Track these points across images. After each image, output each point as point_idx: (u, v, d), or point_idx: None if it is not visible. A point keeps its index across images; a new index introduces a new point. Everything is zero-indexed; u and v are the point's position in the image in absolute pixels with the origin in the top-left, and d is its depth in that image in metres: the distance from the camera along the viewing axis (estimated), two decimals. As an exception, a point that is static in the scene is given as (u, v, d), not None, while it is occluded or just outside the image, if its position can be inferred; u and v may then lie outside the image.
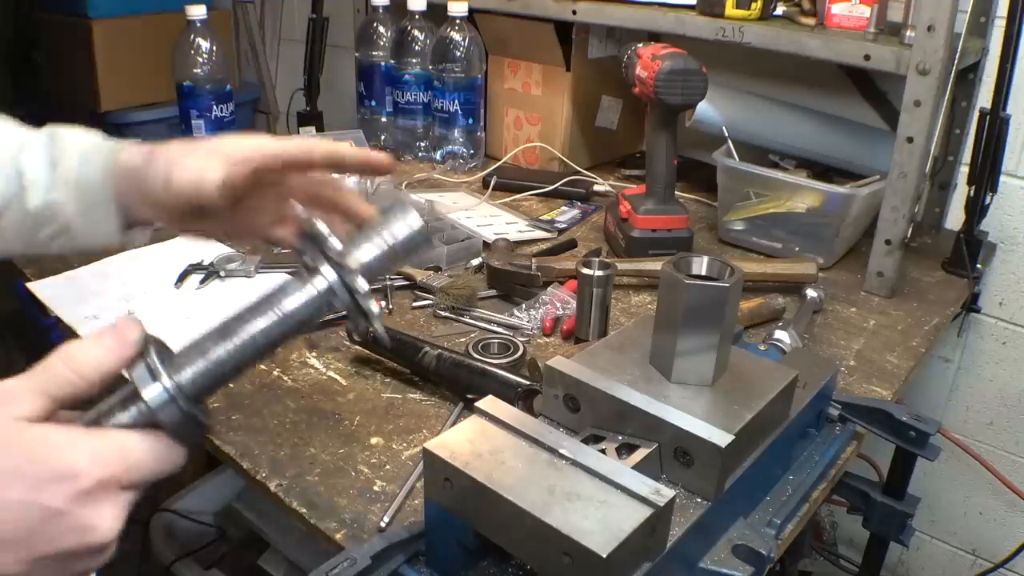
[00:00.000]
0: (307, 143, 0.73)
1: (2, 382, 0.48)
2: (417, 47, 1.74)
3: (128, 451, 0.47)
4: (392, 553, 0.65)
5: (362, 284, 0.51)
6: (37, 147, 0.77)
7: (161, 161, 0.72)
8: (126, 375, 0.49)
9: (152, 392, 0.47)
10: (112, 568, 0.79)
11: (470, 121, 1.72)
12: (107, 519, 0.46)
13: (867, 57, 1.19)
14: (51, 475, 0.45)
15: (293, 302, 0.51)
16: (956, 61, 1.16)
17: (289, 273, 0.52)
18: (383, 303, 1.15)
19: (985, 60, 1.39)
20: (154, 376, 0.47)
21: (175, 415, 0.48)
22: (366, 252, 0.53)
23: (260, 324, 0.50)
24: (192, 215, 0.72)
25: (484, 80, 1.74)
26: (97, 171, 0.75)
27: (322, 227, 0.52)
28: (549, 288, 1.17)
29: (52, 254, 0.81)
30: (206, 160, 0.69)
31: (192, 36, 1.58)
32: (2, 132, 0.80)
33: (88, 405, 0.50)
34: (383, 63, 1.82)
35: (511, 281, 1.19)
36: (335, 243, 0.51)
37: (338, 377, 1.00)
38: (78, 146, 0.77)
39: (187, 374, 0.49)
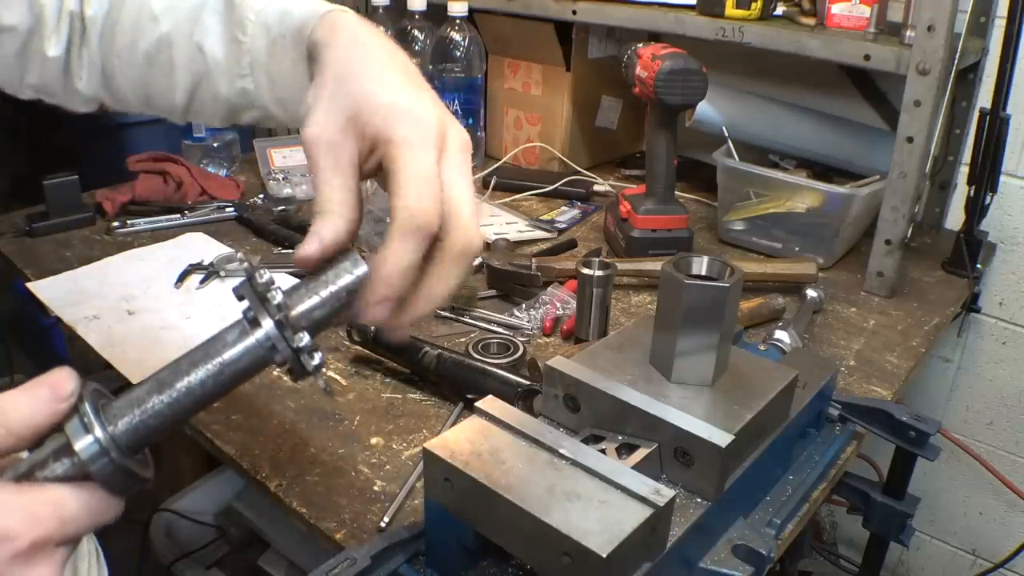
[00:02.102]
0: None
1: None
2: (417, 47, 1.74)
3: (62, 508, 0.46)
4: (392, 553, 0.65)
5: (302, 338, 0.49)
6: (213, 20, 0.69)
7: (311, 96, 0.56)
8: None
9: (84, 444, 0.46)
10: (112, 568, 0.79)
11: (470, 121, 1.72)
12: None
13: (867, 57, 1.19)
14: None
15: (232, 354, 0.50)
16: (956, 61, 1.16)
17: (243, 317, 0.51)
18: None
19: (985, 60, 1.39)
20: (87, 428, 0.46)
21: (107, 469, 0.47)
22: (309, 303, 0.51)
23: (198, 375, 0.50)
24: None
25: (484, 80, 1.74)
26: (290, 62, 0.65)
27: (265, 275, 0.50)
28: (549, 288, 1.17)
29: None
30: (332, 120, 0.54)
31: (192, 36, 1.58)
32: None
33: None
34: (383, 63, 1.81)
35: (511, 281, 1.19)
36: (277, 294, 0.50)
37: (338, 377, 1.00)
38: (262, 22, 0.66)
39: (122, 426, 0.48)
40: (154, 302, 1.16)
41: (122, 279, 1.22)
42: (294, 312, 0.50)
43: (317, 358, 0.50)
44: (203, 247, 1.32)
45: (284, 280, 1.24)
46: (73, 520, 0.46)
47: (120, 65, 0.74)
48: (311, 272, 0.52)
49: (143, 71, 0.73)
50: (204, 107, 0.74)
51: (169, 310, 1.14)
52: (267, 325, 0.49)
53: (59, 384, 0.46)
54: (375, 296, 0.52)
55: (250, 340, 0.50)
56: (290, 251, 1.33)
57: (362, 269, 0.51)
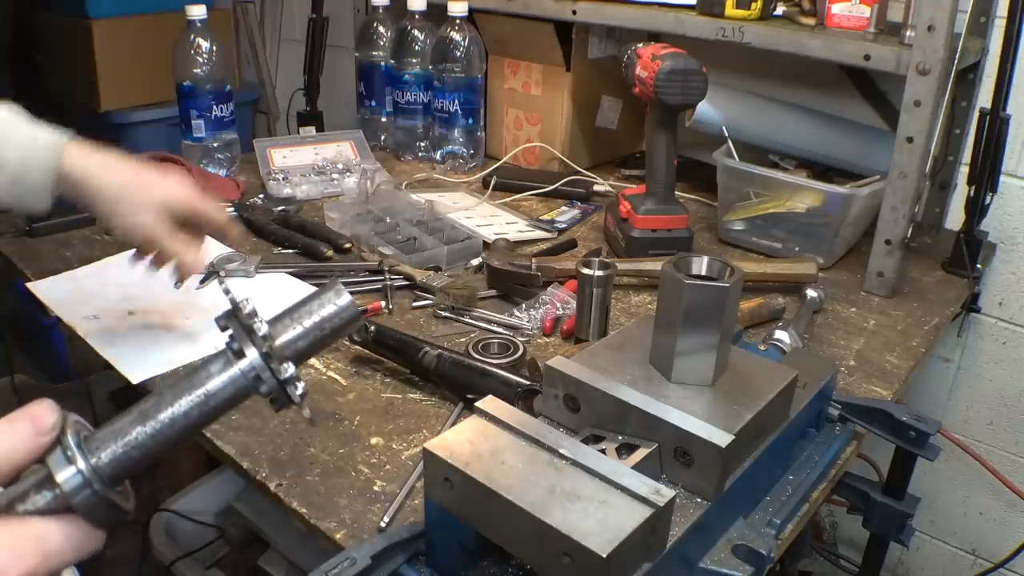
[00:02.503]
0: (221, 212, 0.96)
1: None
2: (417, 47, 1.74)
3: (46, 541, 0.46)
4: (392, 553, 0.65)
5: (287, 368, 0.50)
6: None
7: (101, 201, 0.90)
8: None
9: (66, 476, 0.46)
10: (112, 568, 0.79)
11: (470, 121, 1.72)
12: None
13: (867, 57, 1.19)
14: None
15: (215, 385, 0.50)
16: (956, 61, 1.16)
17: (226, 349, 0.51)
18: (383, 303, 1.15)
19: (985, 60, 1.39)
20: (70, 460, 0.46)
21: (90, 500, 0.46)
22: (292, 333, 0.51)
23: (181, 407, 0.49)
24: None
25: (484, 80, 1.74)
26: (37, 171, 0.87)
27: (248, 305, 0.50)
28: (549, 288, 1.17)
29: None
30: (143, 215, 0.90)
31: (192, 36, 1.58)
32: None
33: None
34: (383, 63, 1.82)
35: (511, 281, 1.19)
36: (261, 324, 0.50)
37: (338, 377, 1.00)
38: (16, 140, 0.86)
39: (105, 457, 0.47)
40: (154, 302, 1.16)
41: (122, 279, 1.21)
42: (278, 342, 0.51)
43: (300, 387, 0.51)
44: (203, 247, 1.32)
45: (284, 281, 1.24)
46: (57, 553, 0.46)
47: None
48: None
49: None
50: None
51: (169, 310, 1.14)
52: (252, 356, 0.50)
53: (40, 417, 0.46)
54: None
55: (235, 371, 0.50)
56: (290, 251, 1.33)
57: (345, 299, 0.52)
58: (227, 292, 0.52)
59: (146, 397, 0.50)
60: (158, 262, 0.99)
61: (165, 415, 0.49)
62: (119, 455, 0.48)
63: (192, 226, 0.95)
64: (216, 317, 0.51)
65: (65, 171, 0.89)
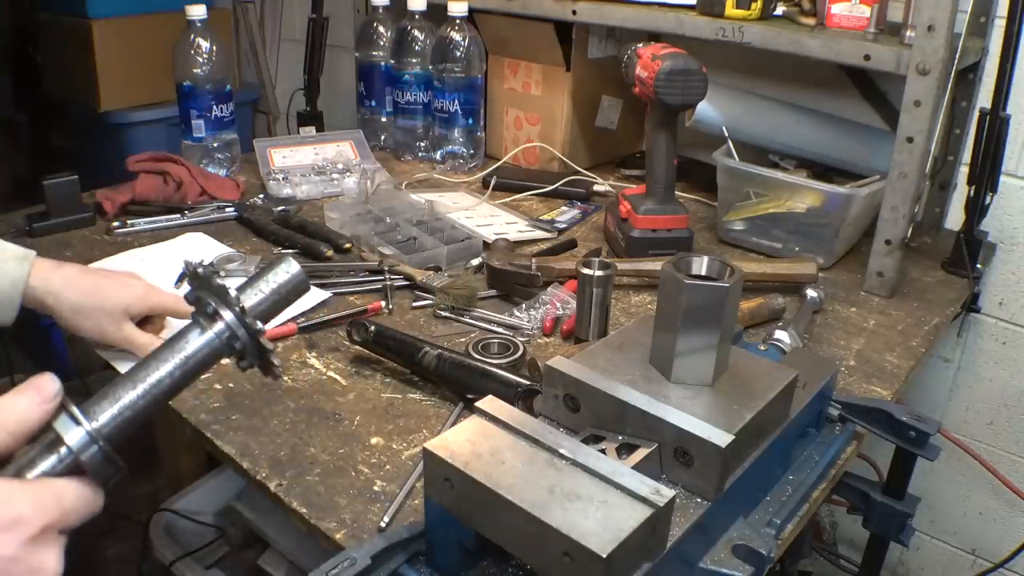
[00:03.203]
0: (178, 301, 1.01)
1: None
2: (417, 47, 1.74)
3: (63, 497, 0.52)
4: (392, 553, 0.65)
5: (260, 325, 0.58)
6: None
7: (66, 314, 0.97)
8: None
9: (75, 437, 0.52)
10: (112, 568, 0.79)
11: (470, 121, 1.72)
12: (52, 560, 0.51)
13: (867, 57, 1.19)
14: (1, 525, 0.49)
15: (194, 347, 0.57)
16: (956, 61, 1.16)
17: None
18: (383, 303, 1.15)
19: (985, 60, 1.39)
20: (76, 422, 0.52)
21: (97, 457, 0.52)
22: (255, 299, 0.60)
23: (165, 368, 0.56)
24: None
25: (484, 80, 1.74)
26: (6, 284, 0.93)
27: (217, 278, 0.58)
28: (549, 288, 1.17)
29: None
30: (105, 324, 0.97)
31: (192, 36, 1.58)
32: None
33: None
34: (383, 63, 1.82)
35: (511, 281, 1.19)
36: (232, 290, 0.58)
37: (338, 377, 1.00)
38: None
39: (103, 419, 0.54)
40: (154, 302, 1.16)
41: (122, 279, 1.22)
42: (247, 305, 0.59)
43: (271, 345, 0.59)
44: (203, 247, 1.32)
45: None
46: (72, 508, 0.52)
47: None
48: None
49: None
50: None
51: (169, 310, 1.14)
52: (228, 316, 0.58)
53: (44, 386, 0.53)
54: None
55: (214, 331, 0.58)
56: (290, 251, 1.33)
57: (295, 268, 0.61)
58: (188, 266, 0.59)
59: (133, 366, 0.57)
60: None
61: (152, 378, 0.56)
62: (116, 414, 0.54)
63: (152, 318, 1.04)
64: (186, 293, 0.59)
65: (31, 285, 0.95)
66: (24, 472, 0.52)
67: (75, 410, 0.53)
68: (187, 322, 0.59)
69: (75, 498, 0.52)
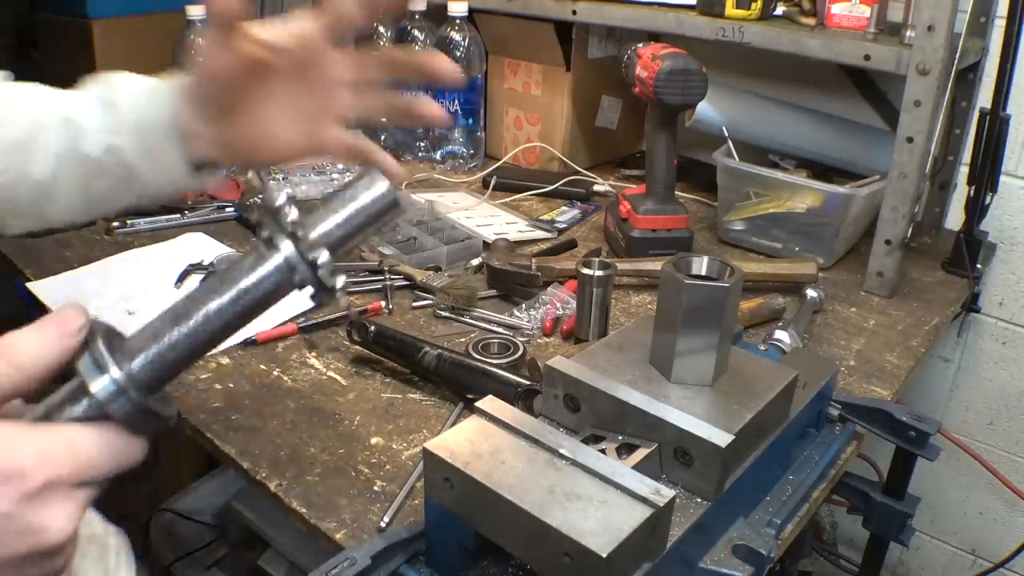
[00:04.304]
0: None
1: None
2: (417, 47, 1.74)
3: (78, 447, 0.44)
4: (392, 553, 0.65)
5: (322, 256, 0.47)
6: (88, 95, 0.75)
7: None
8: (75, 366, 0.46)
9: (99, 385, 0.44)
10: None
11: (470, 121, 1.72)
12: (58, 520, 0.44)
13: (867, 57, 1.19)
14: None
15: (249, 279, 0.47)
16: (956, 61, 1.16)
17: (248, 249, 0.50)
18: (383, 303, 1.15)
19: (985, 60, 1.39)
20: (101, 368, 0.44)
21: (126, 408, 0.45)
22: (328, 222, 0.49)
23: (215, 303, 0.47)
24: (228, 100, 0.71)
25: (484, 80, 1.74)
26: (158, 109, 0.72)
27: (279, 196, 0.48)
28: (549, 288, 1.17)
29: (112, 212, 0.79)
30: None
31: (192, 36, 1.58)
32: (42, 92, 0.79)
33: (40, 396, 0.47)
34: (383, 63, 1.81)
35: (511, 281, 1.19)
36: (293, 212, 0.47)
37: (338, 377, 1.00)
38: (133, 88, 0.74)
39: (139, 361, 0.46)
40: (154, 302, 1.16)
41: (122, 279, 1.22)
42: (314, 232, 0.48)
43: (341, 280, 0.48)
44: (203, 247, 1.32)
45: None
46: (90, 460, 0.45)
47: None
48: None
49: (2, 162, 0.74)
50: (65, 181, 0.75)
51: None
52: (284, 246, 0.47)
53: (67, 319, 0.45)
54: None
55: (268, 263, 0.48)
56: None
57: (382, 186, 0.50)
58: (254, 182, 0.49)
59: (178, 299, 0.48)
60: None
61: (199, 313, 0.47)
62: (153, 357, 0.46)
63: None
64: (252, 216, 0.50)
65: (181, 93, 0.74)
66: (47, 419, 0.46)
67: (102, 351, 0.45)
68: None
69: (96, 448, 0.45)
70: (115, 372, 0.45)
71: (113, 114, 0.73)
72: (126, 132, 0.73)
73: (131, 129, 0.73)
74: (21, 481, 0.42)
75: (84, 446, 0.45)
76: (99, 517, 0.97)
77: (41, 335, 0.45)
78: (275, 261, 0.48)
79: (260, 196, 0.49)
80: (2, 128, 0.75)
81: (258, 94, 0.72)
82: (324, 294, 0.48)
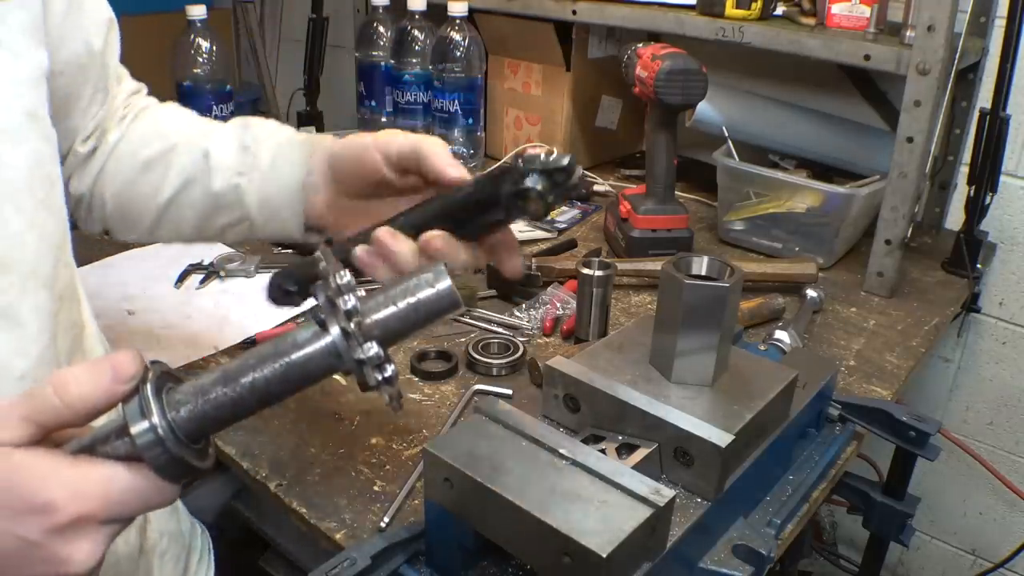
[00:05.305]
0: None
1: None
2: (417, 47, 1.74)
3: (111, 486, 0.46)
4: (392, 553, 0.65)
5: (370, 348, 0.48)
6: (227, 132, 0.78)
7: (355, 143, 0.71)
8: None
9: (139, 430, 0.46)
10: (112, 568, 0.79)
11: (470, 121, 1.71)
12: (82, 552, 0.46)
13: (867, 57, 1.19)
14: (27, 507, 0.45)
15: (298, 355, 0.49)
16: (956, 61, 1.16)
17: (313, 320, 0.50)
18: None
19: (985, 60, 1.39)
20: (144, 414, 0.46)
21: (161, 457, 0.46)
22: (383, 313, 0.49)
23: (263, 372, 0.49)
24: (363, 194, 0.72)
25: (484, 80, 1.74)
26: (290, 165, 0.74)
27: (344, 276, 0.48)
28: (549, 288, 1.17)
29: (216, 242, 0.82)
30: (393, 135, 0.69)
31: (192, 36, 1.58)
32: (188, 119, 0.84)
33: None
34: (383, 63, 1.82)
35: (511, 281, 1.19)
36: (351, 300, 0.48)
37: (338, 377, 1.00)
38: (273, 138, 0.77)
39: (183, 414, 0.47)
40: (154, 302, 1.16)
41: (122, 279, 1.22)
42: (368, 320, 0.48)
43: (389, 370, 0.48)
44: (203, 247, 1.32)
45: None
46: (121, 500, 0.47)
47: (112, 169, 0.81)
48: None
49: (134, 175, 0.80)
50: (184, 208, 0.79)
51: (169, 310, 1.14)
52: (334, 332, 0.48)
53: (121, 366, 0.47)
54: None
55: (317, 344, 0.49)
56: (289, 251, 1.33)
57: (445, 284, 0.49)
58: (320, 260, 0.50)
59: (235, 358, 0.50)
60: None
61: (247, 379, 0.49)
62: (197, 412, 0.48)
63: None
64: (314, 285, 0.50)
65: (318, 155, 0.74)
66: (90, 450, 0.47)
67: (149, 398, 0.46)
68: None
69: (128, 490, 0.47)
70: (157, 421, 0.46)
71: (249, 159, 0.76)
72: (257, 178, 0.75)
73: (261, 177, 0.75)
74: (52, 514, 0.45)
75: (117, 487, 0.47)
76: (186, 514, 0.97)
77: (94, 377, 0.47)
78: (324, 345, 0.48)
79: (323, 267, 0.48)
80: (143, 147, 0.79)
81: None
82: (365, 385, 0.49)
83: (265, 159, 0.75)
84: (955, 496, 1.67)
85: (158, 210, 0.79)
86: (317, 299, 0.49)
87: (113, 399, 0.47)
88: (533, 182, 0.59)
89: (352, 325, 0.47)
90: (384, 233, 0.63)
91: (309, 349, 0.49)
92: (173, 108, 0.87)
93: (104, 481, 0.46)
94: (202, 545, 0.98)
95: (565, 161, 0.58)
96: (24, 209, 0.62)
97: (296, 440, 0.88)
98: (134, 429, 0.46)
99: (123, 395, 0.47)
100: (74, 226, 0.79)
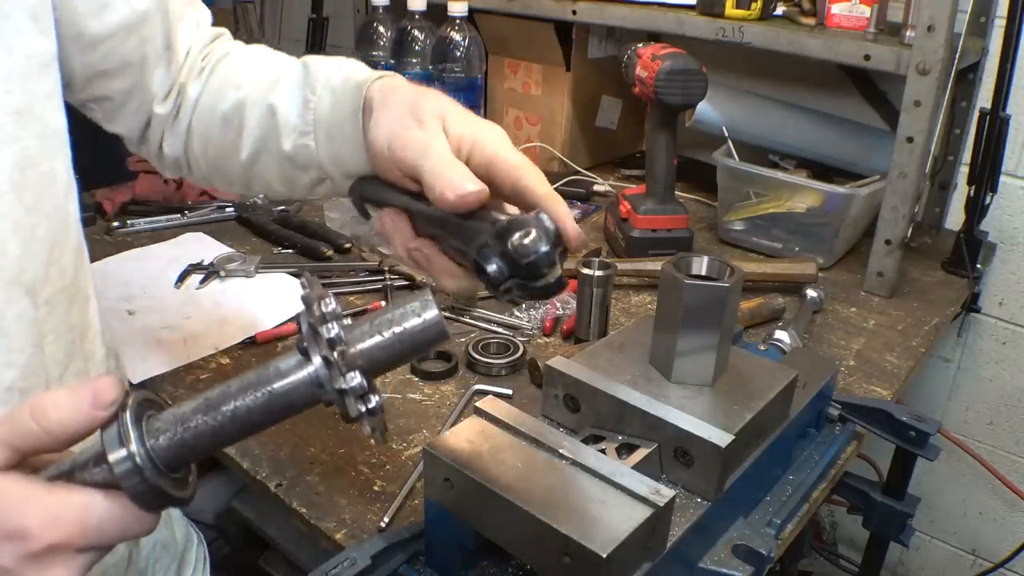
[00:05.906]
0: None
1: None
2: (417, 47, 1.74)
3: (88, 513, 0.45)
4: (392, 553, 0.66)
5: (352, 378, 0.47)
6: (289, 84, 0.72)
7: (384, 125, 0.63)
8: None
9: (117, 458, 0.45)
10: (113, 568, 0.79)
11: (470, 121, 1.71)
12: None
13: (867, 57, 1.19)
14: (1, 533, 0.44)
15: (280, 384, 0.48)
16: (956, 61, 1.16)
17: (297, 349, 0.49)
18: (383, 304, 1.15)
19: (985, 60, 1.39)
20: (123, 442, 0.45)
21: (139, 486, 0.45)
22: (368, 343, 0.48)
23: (245, 402, 0.48)
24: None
25: (484, 80, 1.74)
26: (346, 115, 0.68)
27: (330, 304, 0.47)
28: (549, 288, 1.17)
29: (316, 198, 0.79)
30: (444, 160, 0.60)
31: (192, 36, 1.58)
32: (259, 65, 0.77)
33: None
34: (383, 63, 1.81)
35: (511, 281, 1.19)
36: (334, 329, 0.46)
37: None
38: (329, 85, 0.71)
39: (163, 441, 0.46)
40: (154, 302, 1.16)
41: (122, 279, 1.21)
42: (352, 349, 0.47)
43: (373, 401, 0.47)
44: (203, 247, 1.32)
45: (284, 281, 1.24)
46: (98, 528, 0.45)
47: (198, 127, 0.78)
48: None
49: (217, 132, 0.76)
50: (265, 167, 0.75)
51: (169, 310, 1.14)
52: (316, 361, 0.47)
53: (101, 391, 0.45)
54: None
55: (300, 374, 0.48)
56: (290, 251, 1.33)
57: (432, 313, 0.48)
58: (304, 287, 0.48)
59: (217, 385, 0.48)
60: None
61: (228, 408, 0.47)
62: (177, 441, 0.46)
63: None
64: (297, 314, 0.49)
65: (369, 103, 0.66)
66: (69, 476, 0.46)
67: (128, 426, 0.45)
68: None
69: (106, 518, 0.45)
70: (135, 448, 0.45)
71: (310, 115, 0.70)
72: (323, 137, 0.70)
73: (326, 135, 0.70)
74: (27, 540, 0.44)
75: (95, 515, 0.45)
76: (182, 521, 0.96)
77: (74, 402, 0.45)
78: (306, 375, 0.48)
79: (306, 294, 0.46)
80: (220, 101, 0.76)
81: None
82: (347, 417, 0.48)
83: (324, 114, 0.69)
84: (955, 496, 1.67)
85: (243, 168, 0.76)
86: (300, 327, 0.48)
87: (92, 425, 0.45)
88: (494, 271, 0.53)
89: (335, 354, 0.46)
90: (385, 217, 0.62)
91: (291, 378, 0.48)
92: (248, 52, 0.81)
93: (81, 508, 0.45)
94: (196, 554, 0.97)
95: (535, 255, 0.50)
96: (6, 216, 0.60)
97: (296, 440, 0.88)
98: (112, 457, 0.45)
99: (102, 421, 0.45)
100: (85, 223, 0.76)
